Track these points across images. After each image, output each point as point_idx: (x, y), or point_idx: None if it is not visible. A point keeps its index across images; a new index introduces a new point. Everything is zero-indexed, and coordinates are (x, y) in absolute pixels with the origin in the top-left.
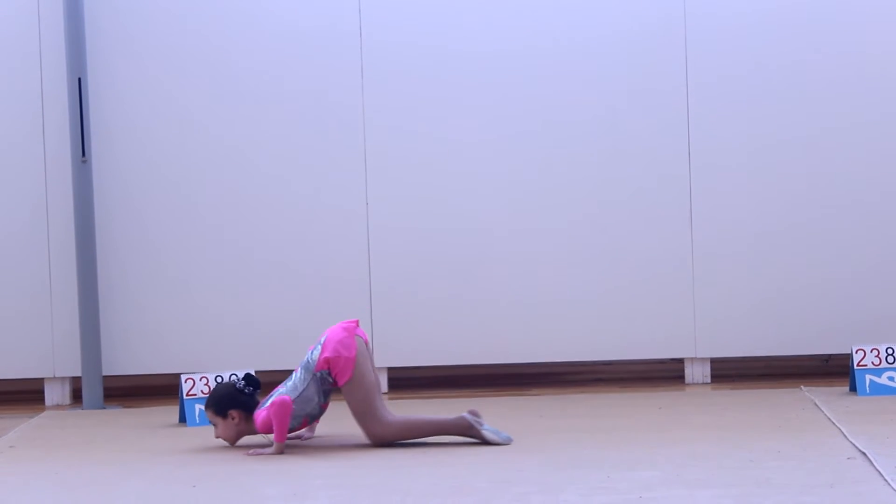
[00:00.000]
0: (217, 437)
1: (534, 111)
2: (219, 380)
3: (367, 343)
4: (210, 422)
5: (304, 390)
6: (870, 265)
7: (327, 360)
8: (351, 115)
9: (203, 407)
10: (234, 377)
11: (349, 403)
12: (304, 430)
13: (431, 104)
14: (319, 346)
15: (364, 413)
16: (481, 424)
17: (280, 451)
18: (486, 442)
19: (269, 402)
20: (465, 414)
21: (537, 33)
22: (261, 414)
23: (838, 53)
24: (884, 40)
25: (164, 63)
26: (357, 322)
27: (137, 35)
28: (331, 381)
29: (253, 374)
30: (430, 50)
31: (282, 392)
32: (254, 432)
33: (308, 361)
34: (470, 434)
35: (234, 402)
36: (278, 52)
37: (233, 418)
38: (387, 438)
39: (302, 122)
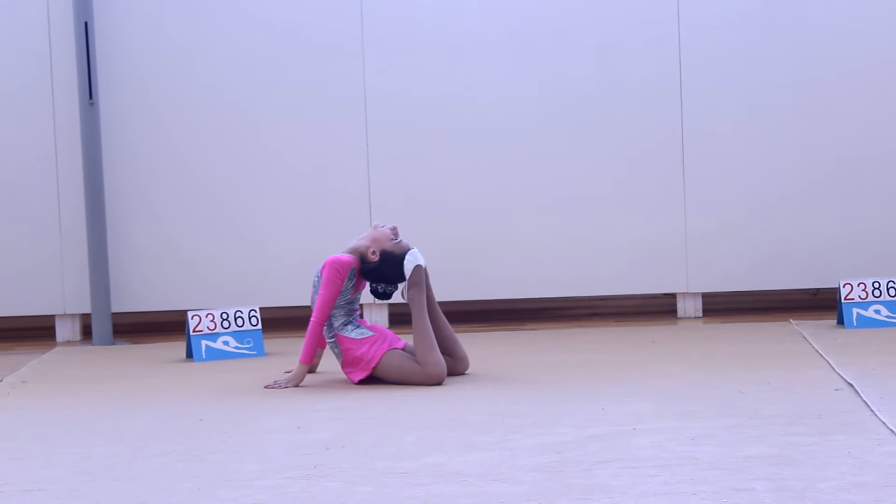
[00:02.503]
0: (378, 226)
1: (531, 64)
2: (224, 315)
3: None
4: (391, 228)
5: (336, 308)
6: (857, 202)
7: (343, 350)
8: (353, 70)
9: (404, 241)
10: (389, 288)
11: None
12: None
13: (437, 61)
14: (361, 333)
15: (407, 379)
16: None
17: (301, 377)
18: None
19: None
20: None
21: None
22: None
23: None
24: None
25: (168, 6)
26: (405, 345)
27: None
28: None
29: (391, 294)
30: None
31: (338, 329)
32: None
33: (347, 319)
34: None
35: (386, 265)
36: None
37: (373, 253)
38: (434, 371)
39: (304, 65)
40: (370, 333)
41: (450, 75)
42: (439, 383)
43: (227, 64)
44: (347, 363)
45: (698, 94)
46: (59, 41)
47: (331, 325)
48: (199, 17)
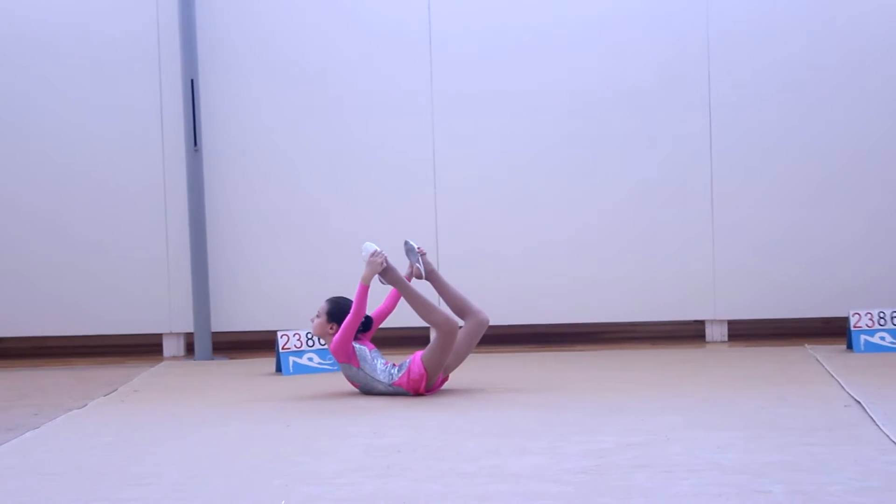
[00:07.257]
0: (311, 320)
1: (557, 106)
2: (309, 335)
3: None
4: (318, 313)
5: (373, 379)
6: (864, 238)
7: (405, 385)
8: (425, 140)
9: (324, 303)
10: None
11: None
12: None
13: (494, 142)
14: (404, 368)
15: (446, 351)
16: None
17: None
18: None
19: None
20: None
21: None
22: (335, 338)
23: None
24: None
25: (262, 69)
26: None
27: (240, 42)
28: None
29: (371, 317)
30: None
31: (365, 369)
32: (329, 341)
33: (391, 373)
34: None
35: (336, 308)
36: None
37: (331, 328)
38: (446, 327)
39: (385, 126)
40: (408, 361)
41: (506, 145)
42: (458, 330)
43: (313, 119)
44: (415, 391)
45: (727, 144)
46: (169, 96)
47: (380, 387)
48: (291, 79)
